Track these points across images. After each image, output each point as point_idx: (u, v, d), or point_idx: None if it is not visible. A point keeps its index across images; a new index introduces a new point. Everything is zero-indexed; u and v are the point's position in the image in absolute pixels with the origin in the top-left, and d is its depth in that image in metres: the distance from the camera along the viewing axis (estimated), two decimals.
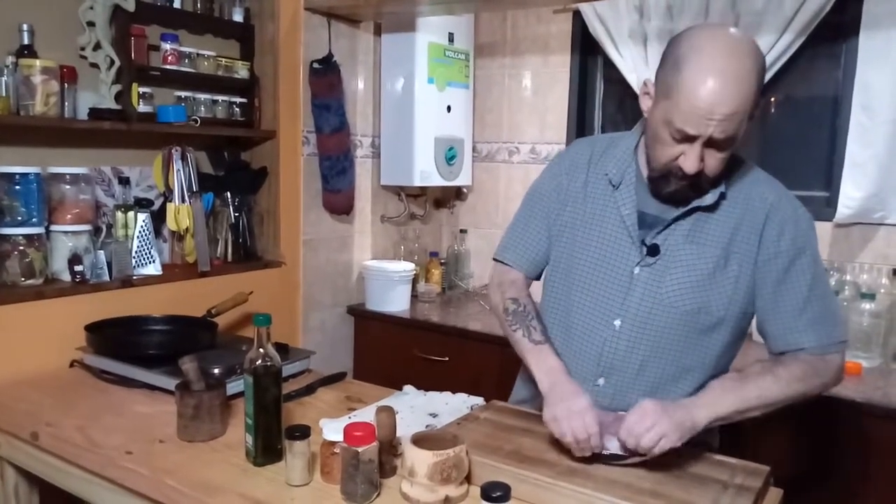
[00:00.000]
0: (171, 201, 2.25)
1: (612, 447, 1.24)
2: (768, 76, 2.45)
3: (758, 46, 1.23)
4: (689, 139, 1.22)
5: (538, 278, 1.56)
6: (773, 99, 2.63)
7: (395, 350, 2.73)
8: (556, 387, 1.31)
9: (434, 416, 1.53)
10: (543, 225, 1.50)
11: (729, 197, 1.33)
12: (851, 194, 2.30)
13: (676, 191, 1.29)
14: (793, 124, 2.61)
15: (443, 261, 3.16)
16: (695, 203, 1.31)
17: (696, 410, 1.22)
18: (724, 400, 1.25)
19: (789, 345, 1.31)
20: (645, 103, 1.33)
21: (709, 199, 1.31)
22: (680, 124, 1.21)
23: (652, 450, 1.18)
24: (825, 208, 2.45)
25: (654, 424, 1.18)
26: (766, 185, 1.37)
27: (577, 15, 2.87)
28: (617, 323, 1.36)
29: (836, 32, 2.42)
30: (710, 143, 1.22)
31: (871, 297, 2.18)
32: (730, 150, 1.25)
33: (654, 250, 1.33)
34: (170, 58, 2.23)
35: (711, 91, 1.17)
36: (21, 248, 1.88)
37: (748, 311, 1.36)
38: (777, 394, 1.26)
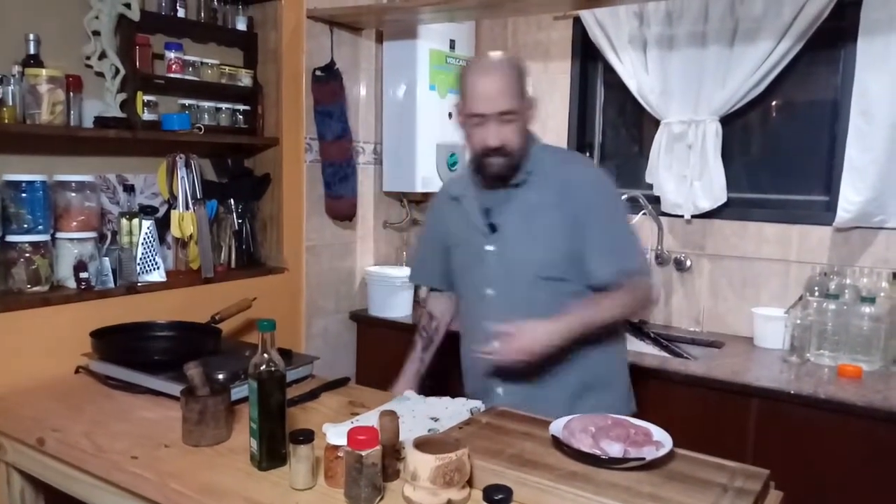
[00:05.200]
0: (175, 208, 2.27)
1: (613, 451, 1.25)
2: (767, 81, 2.48)
3: (512, 56, 1.71)
4: (482, 118, 1.61)
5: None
6: (772, 104, 2.64)
7: (398, 355, 2.73)
8: None
9: (435, 420, 1.54)
10: (435, 245, 1.91)
11: (538, 174, 1.69)
12: (851, 199, 2.31)
13: (498, 168, 1.66)
14: (792, 129, 2.62)
15: None
16: (510, 182, 1.69)
17: (555, 336, 1.61)
18: (575, 321, 1.63)
19: (592, 277, 1.67)
20: (459, 123, 1.72)
21: (519, 177, 1.69)
22: (473, 110, 1.63)
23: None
24: (825, 213, 2.46)
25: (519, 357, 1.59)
26: (567, 160, 1.81)
27: (578, 21, 2.88)
28: (489, 292, 1.74)
29: (834, 38, 2.44)
30: (498, 118, 1.60)
31: (871, 300, 2.18)
32: (517, 123, 1.63)
33: (493, 228, 1.73)
34: (174, 66, 2.26)
35: (482, 79, 1.62)
36: (27, 255, 1.90)
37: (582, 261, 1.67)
38: (607, 316, 1.67)
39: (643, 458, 1.24)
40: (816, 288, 2.31)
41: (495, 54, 1.73)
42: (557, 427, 1.36)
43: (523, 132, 1.67)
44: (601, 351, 1.74)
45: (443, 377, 2.20)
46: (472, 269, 1.78)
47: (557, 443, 1.31)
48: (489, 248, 1.73)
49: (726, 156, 2.59)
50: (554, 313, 1.63)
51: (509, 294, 1.71)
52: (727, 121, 2.59)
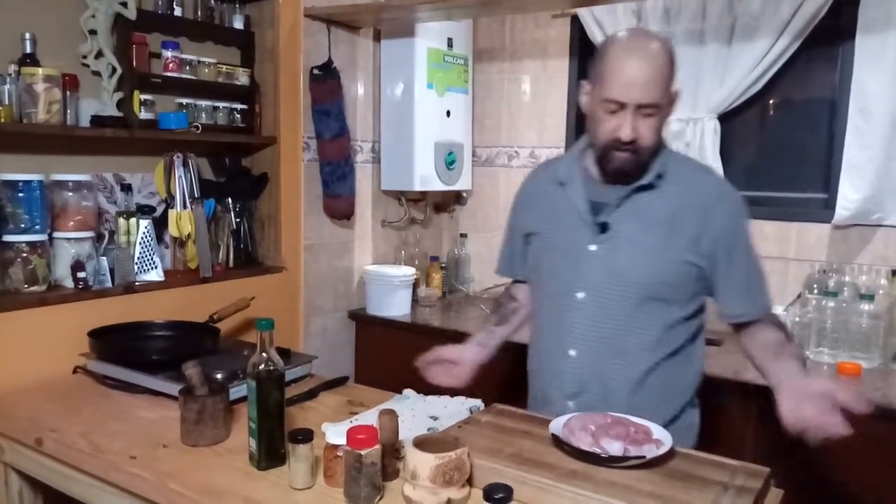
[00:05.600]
0: (172, 208, 2.26)
1: (613, 449, 1.25)
2: (765, 79, 2.48)
3: (665, 38, 1.49)
4: (620, 107, 1.42)
5: None
6: (770, 102, 2.64)
7: (396, 354, 2.72)
8: None
9: (435, 419, 1.53)
10: (516, 234, 1.73)
11: (668, 179, 1.50)
12: (849, 196, 2.31)
13: (622, 163, 1.47)
14: (790, 127, 2.63)
15: (443, 265, 3.17)
16: (636, 183, 1.49)
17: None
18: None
19: (734, 312, 1.52)
20: (584, 101, 1.54)
21: (648, 178, 1.49)
22: (610, 95, 1.42)
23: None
24: (823, 210, 2.47)
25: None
26: (705, 173, 1.59)
27: (575, 19, 2.88)
28: (580, 295, 1.52)
29: (832, 36, 2.44)
30: (637, 110, 1.41)
31: (869, 298, 2.19)
32: (656, 118, 1.44)
33: (604, 227, 1.51)
34: (171, 65, 2.25)
35: (630, 63, 1.41)
36: (24, 254, 1.89)
37: (696, 284, 1.51)
38: None
39: (643, 457, 1.23)
40: (815, 285, 2.31)
41: (648, 33, 1.52)
42: (557, 425, 1.35)
43: (660, 129, 1.47)
44: (681, 371, 1.56)
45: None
46: (563, 266, 1.56)
47: (557, 441, 1.31)
48: (592, 247, 1.51)
49: (724, 154, 2.59)
50: (649, 335, 1.49)
51: (604, 304, 1.50)
52: (725, 119, 2.60)
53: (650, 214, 1.49)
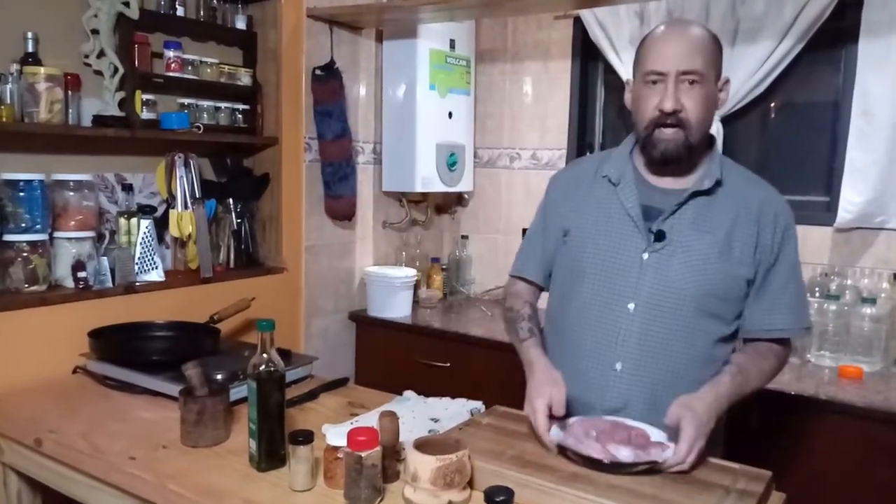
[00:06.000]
0: (173, 208, 2.26)
1: (622, 455, 1.23)
2: (768, 81, 2.47)
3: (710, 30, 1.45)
4: (661, 77, 1.37)
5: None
6: (773, 104, 2.64)
7: (397, 356, 2.74)
8: (529, 380, 1.45)
9: (435, 420, 1.53)
10: (550, 234, 1.60)
11: (726, 188, 1.45)
12: (852, 199, 2.31)
13: (668, 142, 1.39)
14: (793, 130, 2.62)
15: (444, 266, 3.17)
16: (693, 188, 1.43)
17: (716, 408, 1.34)
18: (733, 393, 1.38)
19: (767, 324, 1.45)
20: (628, 98, 1.50)
21: (706, 183, 1.43)
22: (650, 67, 1.38)
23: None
24: (826, 213, 2.46)
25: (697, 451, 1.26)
26: (756, 183, 1.51)
27: (578, 21, 2.88)
28: (631, 306, 1.43)
29: (835, 38, 2.43)
30: (680, 80, 1.36)
31: (871, 301, 2.18)
32: (700, 89, 1.37)
33: (660, 236, 1.43)
34: (173, 65, 2.25)
35: (669, 37, 1.39)
36: (25, 254, 1.89)
37: (742, 303, 1.46)
38: (759, 386, 1.46)
39: (654, 462, 1.22)
40: (817, 289, 2.30)
41: (689, 20, 1.52)
42: (558, 432, 1.33)
43: (707, 106, 1.39)
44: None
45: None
46: (612, 273, 1.45)
47: (561, 449, 1.29)
48: (647, 256, 1.43)
49: (727, 156, 2.57)
50: (698, 351, 1.42)
51: (655, 314, 1.42)
52: (728, 121, 2.59)
53: (706, 224, 1.42)
